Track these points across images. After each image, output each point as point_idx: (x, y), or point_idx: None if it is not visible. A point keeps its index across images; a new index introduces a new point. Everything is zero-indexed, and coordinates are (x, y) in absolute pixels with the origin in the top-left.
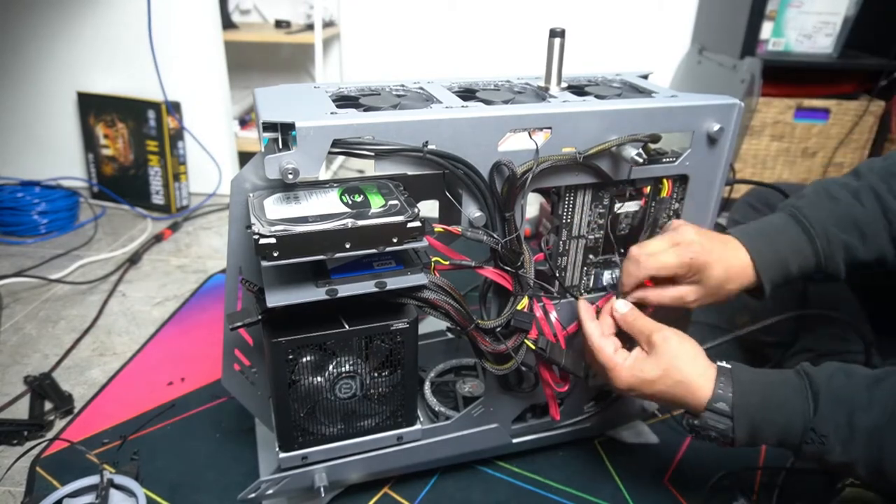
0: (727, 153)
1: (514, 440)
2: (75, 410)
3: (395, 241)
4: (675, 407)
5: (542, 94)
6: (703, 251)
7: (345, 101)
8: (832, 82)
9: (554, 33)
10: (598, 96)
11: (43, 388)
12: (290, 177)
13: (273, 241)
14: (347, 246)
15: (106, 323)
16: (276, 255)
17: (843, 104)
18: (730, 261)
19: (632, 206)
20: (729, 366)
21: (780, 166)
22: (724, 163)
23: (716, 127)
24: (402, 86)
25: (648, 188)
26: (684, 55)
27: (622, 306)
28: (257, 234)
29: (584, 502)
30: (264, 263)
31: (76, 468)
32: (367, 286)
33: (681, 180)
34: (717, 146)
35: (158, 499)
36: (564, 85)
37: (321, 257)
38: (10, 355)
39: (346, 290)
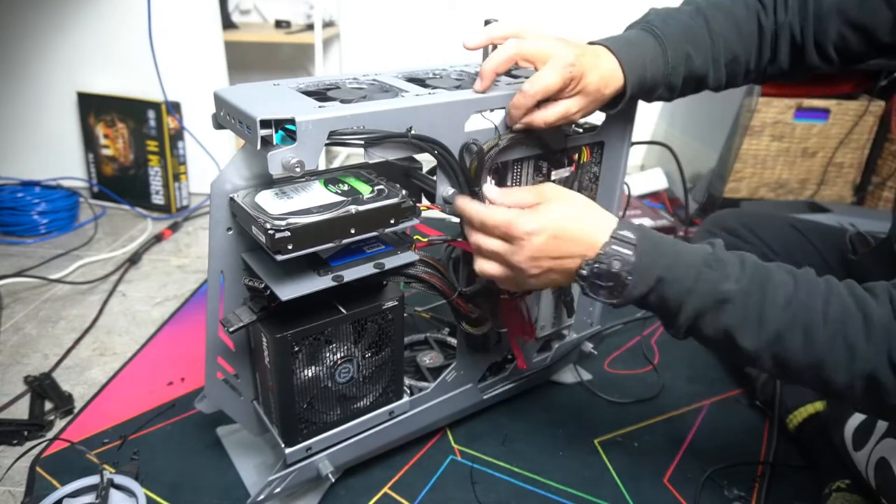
0: (632, 121)
1: (484, 396)
2: (75, 410)
3: (392, 222)
4: (575, 251)
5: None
6: (578, 61)
7: (312, 95)
8: (832, 82)
9: (487, 23)
10: (527, 77)
11: (43, 388)
12: (297, 170)
13: (287, 234)
14: (353, 231)
15: (106, 323)
16: (290, 247)
17: (843, 104)
18: (602, 66)
19: (564, 173)
20: None
21: (780, 166)
22: (630, 129)
23: None
24: (355, 79)
25: (577, 155)
26: None
27: (492, 189)
28: (271, 229)
29: (584, 502)
30: (279, 257)
31: (76, 468)
32: (367, 269)
33: (598, 146)
34: (625, 115)
35: (158, 499)
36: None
37: (331, 245)
38: (10, 355)
39: (350, 274)
